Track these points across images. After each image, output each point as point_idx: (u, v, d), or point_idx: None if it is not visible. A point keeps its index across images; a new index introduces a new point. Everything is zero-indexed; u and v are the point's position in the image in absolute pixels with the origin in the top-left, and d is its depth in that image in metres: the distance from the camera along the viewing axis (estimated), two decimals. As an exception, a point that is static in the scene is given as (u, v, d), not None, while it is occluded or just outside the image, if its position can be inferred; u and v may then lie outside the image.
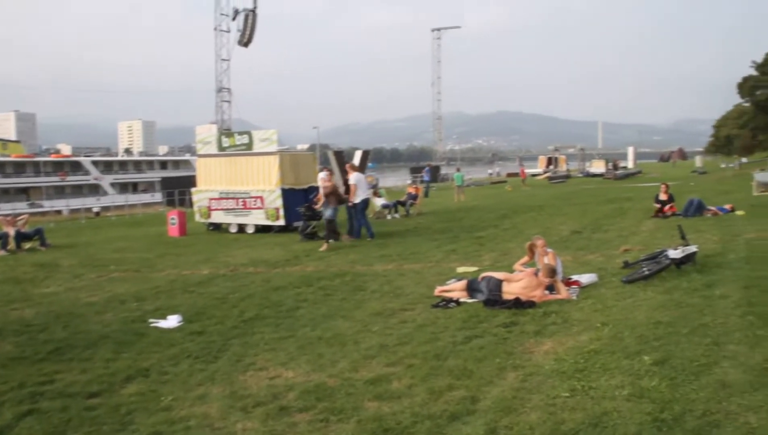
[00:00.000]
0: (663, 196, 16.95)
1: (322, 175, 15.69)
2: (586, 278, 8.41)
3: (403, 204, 22.47)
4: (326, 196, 14.03)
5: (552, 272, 7.71)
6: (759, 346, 4.88)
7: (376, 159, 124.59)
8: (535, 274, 7.81)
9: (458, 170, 36.28)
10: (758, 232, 11.48)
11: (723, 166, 59.79)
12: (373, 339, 6.16)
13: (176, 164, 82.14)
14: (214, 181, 18.61)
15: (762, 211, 15.39)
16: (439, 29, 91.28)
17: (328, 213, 13.82)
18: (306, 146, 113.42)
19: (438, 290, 8.20)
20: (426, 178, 36.45)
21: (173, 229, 18.23)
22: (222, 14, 55.54)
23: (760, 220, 13.47)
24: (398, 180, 65.75)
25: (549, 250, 8.61)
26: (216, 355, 5.89)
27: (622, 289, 7.74)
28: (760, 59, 53.38)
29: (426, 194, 32.35)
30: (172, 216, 18.55)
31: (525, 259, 8.83)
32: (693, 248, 8.56)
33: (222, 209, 18.31)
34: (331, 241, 13.55)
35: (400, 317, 7.07)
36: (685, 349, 5.02)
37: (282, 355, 5.80)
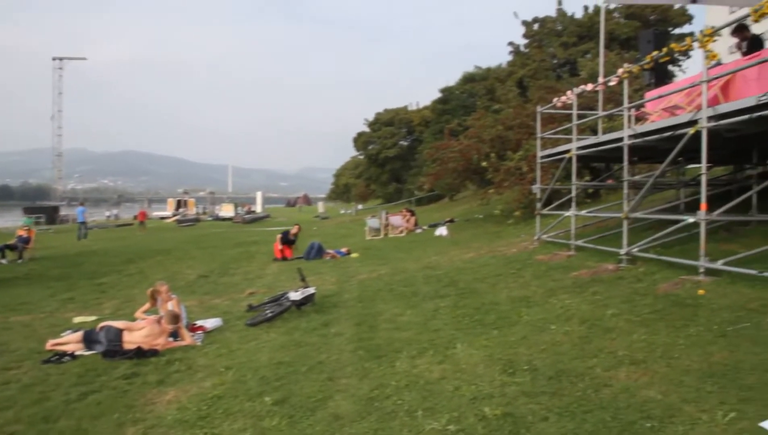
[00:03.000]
0: (291, 236, 18.66)
1: None
2: (211, 323, 8.90)
3: (12, 248, 20.29)
4: None
5: (175, 318, 7.97)
6: (367, 378, 5.82)
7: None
8: (158, 321, 7.99)
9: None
10: (369, 273, 13.46)
11: (342, 211, 67.96)
12: (-39, 408, 5.60)
13: None
14: None
15: (373, 254, 18.03)
16: (61, 59, 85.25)
17: None
18: None
19: (50, 344, 7.90)
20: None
21: None
22: None
23: (371, 262, 15.77)
24: (8, 221, 58.31)
25: (173, 295, 8.94)
26: None
27: (246, 332, 8.36)
28: (371, 118, 63.99)
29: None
30: None
31: (147, 305, 9.06)
32: (311, 290, 9.69)
33: None
34: None
35: (2, 378, 6.61)
36: (304, 387, 5.69)
37: None
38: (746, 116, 7.43)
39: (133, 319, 8.61)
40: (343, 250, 18.73)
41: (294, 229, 18.94)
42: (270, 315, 8.92)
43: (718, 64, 9.64)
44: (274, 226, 39.18)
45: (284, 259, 17.77)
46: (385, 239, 23.74)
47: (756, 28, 10.21)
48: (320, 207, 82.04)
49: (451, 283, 10.82)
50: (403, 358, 6.36)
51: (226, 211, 66.84)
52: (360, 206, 65.42)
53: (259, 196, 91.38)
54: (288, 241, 18.51)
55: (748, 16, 7.62)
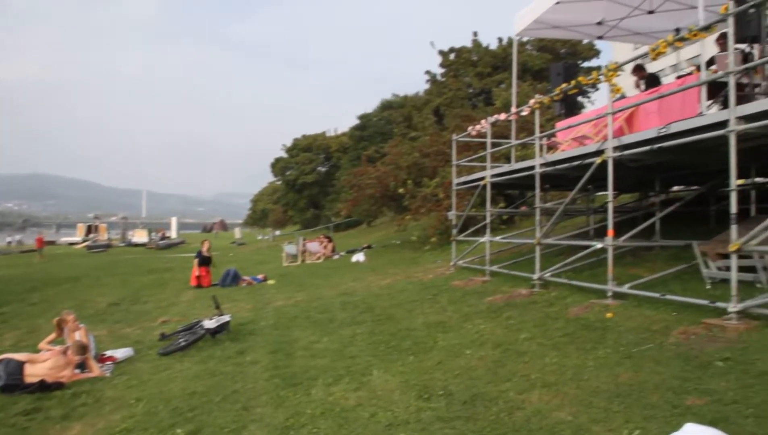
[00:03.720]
0: (206, 253, 18.38)
1: None
2: (121, 353, 8.67)
3: None
4: None
5: (83, 349, 7.74)
6: (282, 407, 5.76)
7: None
8: (64, 352, 7.71)
9: None
10: (286, 300, 13.35)
11: (260, 237, 67.24)
12: None
13: None
14: None
15: (289, 280, 17.92)
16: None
17: None
18: None
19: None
20: None
21: None
22: None
23: (287, 289, 15.66)
24: None
25: (81, 325, 8.70)
26: None
27: (158, 362, 8.17)
28: (289, 144, 64.02)
29: None
30: None
31: (52, 336, 8.77)
32: (226, 317, 9.58)
33: None
34: None
35: None
36: (218, 417, 5.58)
37: None
38: (647, 147, 7.86)
39: (37, 351, 8.27)
40: (260, 276, 18.57)
41: (205, 246, 18.63)
42: (183, 344, 8.77)
43: (623, 97, 10.19)
44: (189, 252, 38.45)
45: (199, 286, 17.44)
46: (302, 265, 23.65)
47: (654, 67, 10.87)
48: (237, 233, 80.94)
49: (368, 310, 10.85)
50: (319, 385, 6.34)
51: (140, 236, 65.26)
52: (277, 232, 64.95)
53: (174, 221, 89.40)
54: (205, 259, 18.16)
55: (647, 54, 8.12)
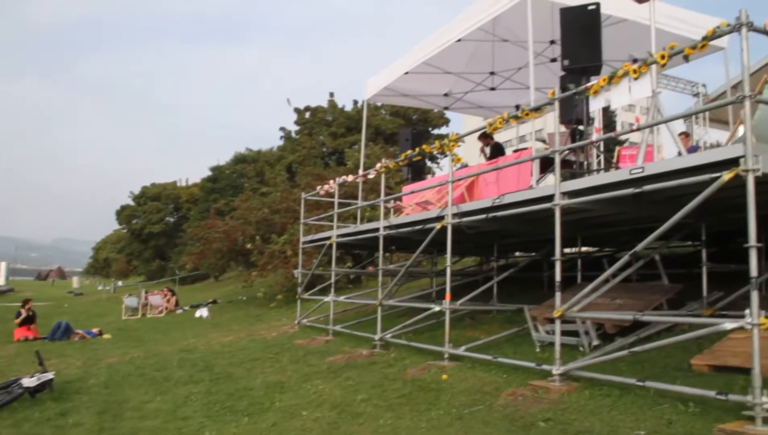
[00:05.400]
0: (24, 313, 16.92)
1: None
2: None
3: None
4: None
5: None
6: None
7: None
8: None
9: None
10: (120, 356, 12.56)
11: (100, 288, 63.36)
12: None
13: None
14: None
15: (127, 335, 16.98)
16: None
17: None
18: None
19: None
20: None
21: None
22: None
23: (124, 344, 14.79)
24: None
25: None
26: None
27: (-42, 427, 7.32)
28: (137, 191, 61.90)
29: None
30: None
31: None
32: (50, 375, 8.85)
33: None
34: None
35: None
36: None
37: None
38: (483, 215, 8.29)
39: None
40: (94, 330, 17.46)
41: (24, 308, 17.18)
42: (-6, 404, 7.98)
43: (465, 166, 10.74)
44: (17, 302, 35.50)
45: (26, 339, 16.07)
46: (143, 319, 22.57)
47: (499, 136, 11.60)
48: (74, 282, 75.77)
49: (207, 368, 10.45)
50: (145, 450, 5.98)
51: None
52: (120, 283, 61.53)
53: (2, 266, 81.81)
54: (26, 319, 16.79)
55: (485, 128, 8.65)
